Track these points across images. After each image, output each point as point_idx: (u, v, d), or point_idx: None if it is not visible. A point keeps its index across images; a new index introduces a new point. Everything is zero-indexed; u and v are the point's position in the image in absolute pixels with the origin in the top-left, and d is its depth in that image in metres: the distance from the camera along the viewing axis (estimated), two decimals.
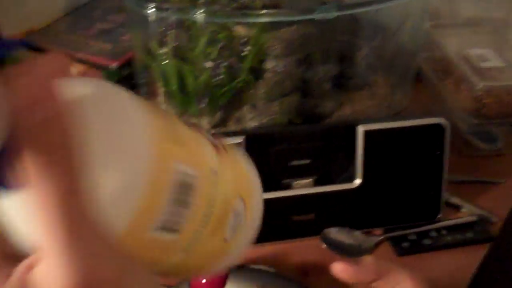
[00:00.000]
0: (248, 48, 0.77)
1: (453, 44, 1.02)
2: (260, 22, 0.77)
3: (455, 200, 0.84)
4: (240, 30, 0.77)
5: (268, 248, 0.77)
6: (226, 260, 0.39)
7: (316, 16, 0.76)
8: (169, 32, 0.78)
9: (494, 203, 0.84)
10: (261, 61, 0.79)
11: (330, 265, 0.59)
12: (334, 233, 0.77)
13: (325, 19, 0.76)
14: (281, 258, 0.76)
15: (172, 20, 0.77)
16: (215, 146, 0.37)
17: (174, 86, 0.80)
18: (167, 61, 0.79)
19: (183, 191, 0.32)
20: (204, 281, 0.68)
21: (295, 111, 0.82)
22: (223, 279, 0.68)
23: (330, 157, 0.78)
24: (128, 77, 1.00)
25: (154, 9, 0.77)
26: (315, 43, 0.81)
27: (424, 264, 0.75)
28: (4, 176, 0.26)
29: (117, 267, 0.28)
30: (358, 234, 0.78)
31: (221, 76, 0.77)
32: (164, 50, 0.79)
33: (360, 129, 0.75)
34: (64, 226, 0.26)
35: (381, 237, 0.79)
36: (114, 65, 0.99)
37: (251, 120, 0.80)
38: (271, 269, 0.71)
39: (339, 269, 0.58)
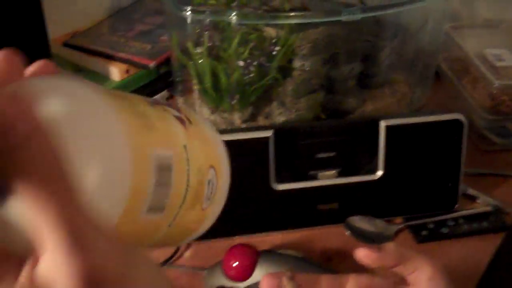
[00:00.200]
0: (277, 48, 0.77)
1: (471, 44, 1.01)
2: (288, 24, 0.77)
3: (471, 191, 0.83)
4: (270, 31, 0.78)
5: (295, 235, 0.78)
6: (204, 226, 0.39)
7: (342, 18, 0.75)
8: (204, 33, 0.78)
9: (509, 194, 0.84)
10: (289, 60, 0.79)
11: (353, 251, 0.59)
12: (357, 221, 0.77)
13: (350, 21, 0.75)
14: (307, 244, 0.76)
15: (207, 22, 0.78)
16: (181, 120, 0.36)
17: (208, 83, 0.80)
18: (202, 60, 0.79)
19: (163, 173, 0.32)
20: (235, 264, 0.68)
21: (321, 107, 0.82)
22: (253, 262, 0.68)
23: (354, 150, 0.77)
24: (165, 75, 1.00)
25: (191, 12, 0.77)
26: (340, 43, 0.81)
27: (442, 251, 0.75)
28: None
29: (119, 257, 0.28)
30: (379, 222, 0.78)
31: (252, 75, 0.77)
32: (199, 50, 0.79)
33: (382, 124, 0.75)
34: (63, 224, 0.25)
35: (401, 225, 0.78)
36: (152, 64, 1.00)
37: (279, 115, 0.80)
38: (298, 254, 0.71)
39: (362, 254, 0.58)
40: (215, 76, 0.79)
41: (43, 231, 0.25)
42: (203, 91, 0.82)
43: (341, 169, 0.77)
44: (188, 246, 0.76)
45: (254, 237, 0.76)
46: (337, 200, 0.78)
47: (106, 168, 0.27)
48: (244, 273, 0.67)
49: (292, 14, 0.77)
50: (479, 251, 0.76)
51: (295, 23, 0.77)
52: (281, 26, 0.77)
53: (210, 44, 0.78)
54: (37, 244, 0.26)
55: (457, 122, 0.76)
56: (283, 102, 0.80)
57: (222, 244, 0.73)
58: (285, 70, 0.79)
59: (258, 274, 0.67)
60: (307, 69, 0.79)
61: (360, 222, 0.77)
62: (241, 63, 0.77)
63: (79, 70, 1.03)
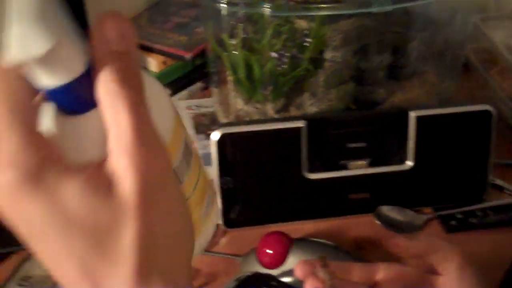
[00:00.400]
0: (309, 39, 0.76)
1: (499, 36, 0.99)
2: (320, 16, 0.76)
3: (499, 182, 0.81)
4: (302, 23, 0.76)
5: (327, 224, 0.76)
6: (197, 239, 0.38)
7: (373, 9, 0.74)
8: (238, 25, 0.77)
9: None
10: (321, 51, 0.77)
11: (383, 240, 0.58)
12: (387, 211, 0.75)
13: (380, 12, 0.74)
14: (339, 233, 0.75)
15: (242, 14, 0.77)
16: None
17: (242, 74, 0.79)
18: (236, 51, 0.78)
19: (187, 152, 0.35)
20: (269, 251, 0.67)
21: (351, 98, 0.80)
22: (286, 250, 0.67)
23: (384, 140, 0.76)
24: (201, 66, 1.00)
25: (225, 4, 0.76)
26: (371, 35, 0.79)
27: (471, 241, 0.73)
28: (84, 97, 0.29)
29: (166, 168, 0.30)
30: (409, 212, 0.76)
31: (285, 66, 0.76)
32: (233, 41, 0.78)
33: (412, 115, 0.73)
34: (134, 130, 0.28)
35: (431, 215, 0.77)
36: (189, 55, 1.00)
37: (311, 106, 0.79)
38: (330, 242, 0.70)
39: (392, 243, 0.57)
40: (248, 67, 0.78)
41: (116, 139, 0.28)
42: (237, 82, 0.82)
43: (372, 159, 0.75)
44: (224, 233, 0.76)
45: (287, 225, 0.75)
46: (367, 190, 0.76)
47: (159, 109, 0.32)
48: (278, 260, 0.67)
49: (323, 5, 0.75)
50: (507, 241, 0.74)
51: (326, 15, 0.76)
52: (312, 18, 0.76)
53: (244, 36, 0.77)
54: (108, 150, 0.29)
55: (486, 113, 0.74)
56: (315, 93, 0.79)
57: (256, 232, 0.72)
58: (317, 61, 0.77)
59: (292, 262, 0.66)
60: (338, 60, 0.77)
61: (390, 211, 0.75)
62: (274, 54, 0.76)
63: None
